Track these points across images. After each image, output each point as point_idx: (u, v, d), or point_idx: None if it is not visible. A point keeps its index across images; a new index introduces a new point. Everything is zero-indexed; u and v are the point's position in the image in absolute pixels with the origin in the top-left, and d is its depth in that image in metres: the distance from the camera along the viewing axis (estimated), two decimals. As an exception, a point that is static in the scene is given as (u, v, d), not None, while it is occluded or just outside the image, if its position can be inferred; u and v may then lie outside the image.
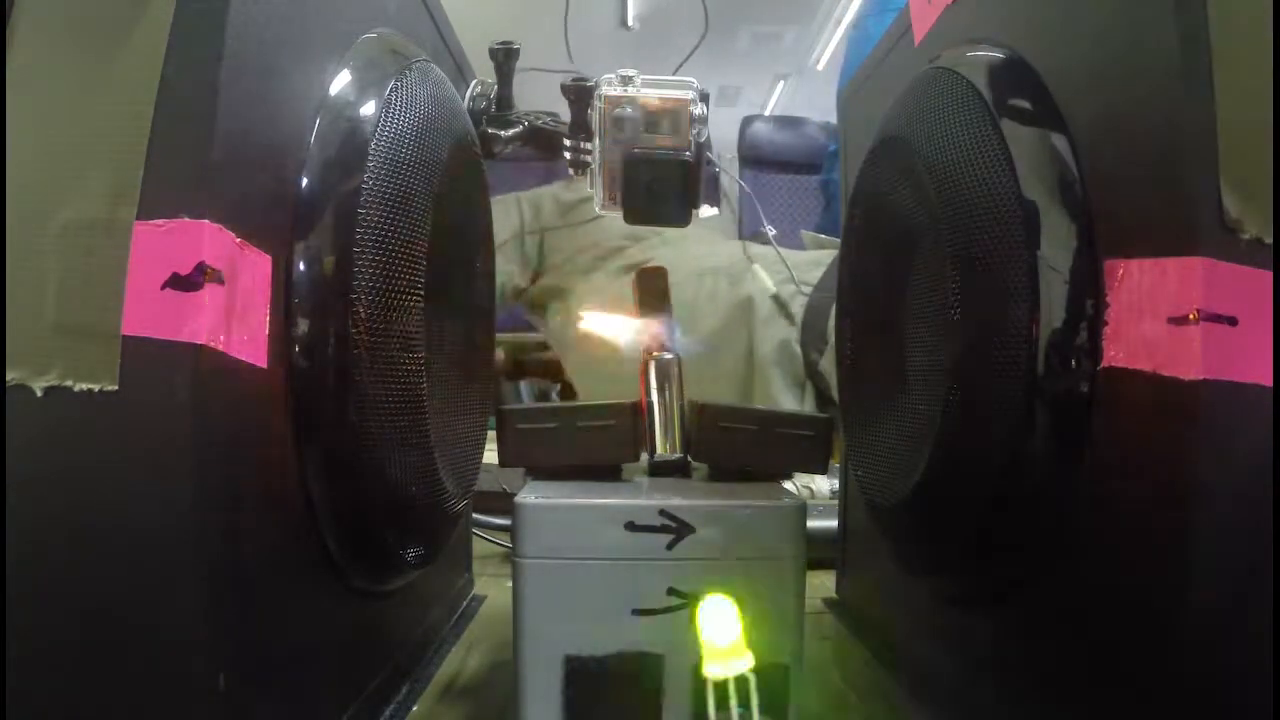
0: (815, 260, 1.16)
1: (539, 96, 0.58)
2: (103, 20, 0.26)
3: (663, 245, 1.26)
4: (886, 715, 0.42)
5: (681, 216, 0.49)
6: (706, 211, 0.49)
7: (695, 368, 0.43)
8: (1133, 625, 0.26)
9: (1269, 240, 0.24)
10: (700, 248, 1.24)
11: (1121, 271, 0.27)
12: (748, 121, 2.39)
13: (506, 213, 1.31)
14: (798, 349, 1.07)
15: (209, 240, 0.25)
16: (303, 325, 0.30)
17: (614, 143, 0.45)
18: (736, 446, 0.37)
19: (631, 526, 0.32)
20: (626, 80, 0.46)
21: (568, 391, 1.33)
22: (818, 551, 0.35)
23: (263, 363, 0.28)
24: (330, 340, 0.31)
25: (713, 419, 0.38)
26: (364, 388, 0.31)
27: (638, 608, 0.32)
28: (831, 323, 1.04)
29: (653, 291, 0.42)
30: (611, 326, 0.43)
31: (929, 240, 0.37)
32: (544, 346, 1.39)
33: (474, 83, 0.55)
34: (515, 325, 1.44)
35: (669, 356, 0.40)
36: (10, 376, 0.25)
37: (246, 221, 0.27)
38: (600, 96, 0.46)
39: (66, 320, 0.25)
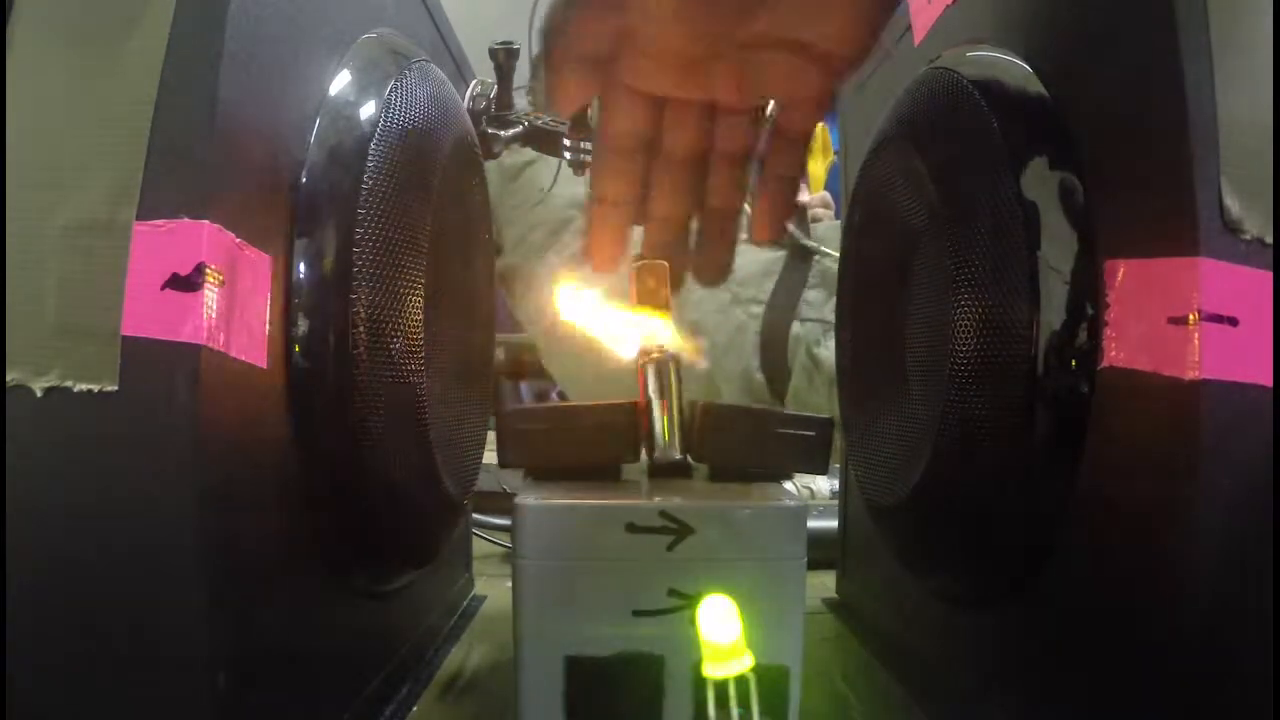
0: (765, 270, 1.01)
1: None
2: (103, 20, 0.26)
3: None
4: (886, 715, 0.42)
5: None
6: None
7: None
8: (1133, 625, 0.26)
9: (1269, 240, 0.24)
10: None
11: (1121, 271, 0.27)
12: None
13: None
14: (760, 377, 0.98)
15: (209, 240, 0.25)
16: (303, 325, 0.30)
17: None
18: (736, 446, 0.37)
19: (632, 527, 0.32)
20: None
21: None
22: (818, 551, 0.35)
23: (263, 363, 0.28)
24: (330, 340, 0.31)
25: (713, 419, 0.37)
26: (364, 388, 0.31)
27: (638, 608, 0.32)
28: (791, 345, 0.96)
29: (652, 289, 0.42)
30: (604, 325, 0.43)
31: (929, 240, 0.37)
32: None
33: (474, 83, 0.55)
34: (515, 325, 1.42)
35: (669, 356, 0.40)
36: (10, 377, 0.25)
37: (246, 221, 0.27)
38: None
39: (66, 320, 0.25)
